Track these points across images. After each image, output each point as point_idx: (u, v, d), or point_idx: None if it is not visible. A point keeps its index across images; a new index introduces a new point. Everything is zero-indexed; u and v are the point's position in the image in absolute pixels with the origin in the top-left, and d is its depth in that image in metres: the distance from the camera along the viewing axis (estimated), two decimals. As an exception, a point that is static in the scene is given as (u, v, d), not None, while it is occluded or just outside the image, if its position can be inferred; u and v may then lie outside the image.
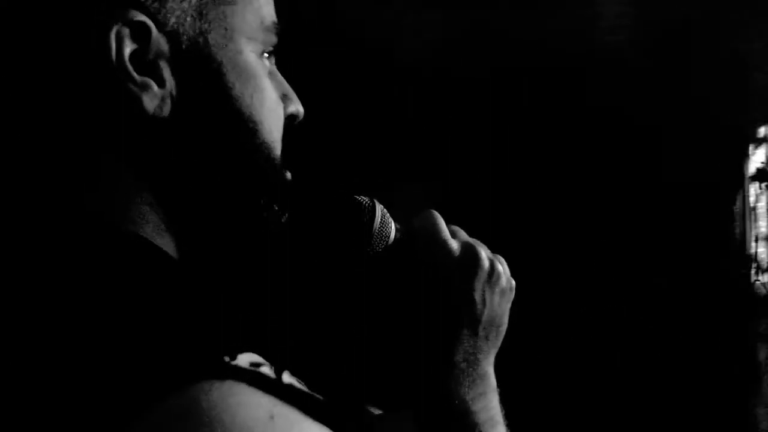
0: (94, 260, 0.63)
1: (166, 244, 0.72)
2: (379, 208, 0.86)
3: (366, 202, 0.86)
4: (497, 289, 0.87)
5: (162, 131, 0.69)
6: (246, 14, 0.73)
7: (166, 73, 0.69)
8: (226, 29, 0.71)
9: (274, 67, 0.79)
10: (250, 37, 0.73)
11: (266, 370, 0.60)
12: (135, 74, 0.67)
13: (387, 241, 0.86)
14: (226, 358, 0.56)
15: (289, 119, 0.79)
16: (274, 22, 0.76)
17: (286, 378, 0.61)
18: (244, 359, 0.58)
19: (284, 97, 0.79)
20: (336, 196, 0.88)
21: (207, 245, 0.78)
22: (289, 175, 0.79)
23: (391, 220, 0.87)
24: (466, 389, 0.85)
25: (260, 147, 0.74)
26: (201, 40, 0.70)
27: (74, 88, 0.67)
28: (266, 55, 0.76)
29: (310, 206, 0.87)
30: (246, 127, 0.72)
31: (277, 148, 0.76)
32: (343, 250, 0.87)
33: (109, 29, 0.66)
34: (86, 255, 0.63)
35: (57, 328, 0.57)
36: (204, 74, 0.70)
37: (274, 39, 0.76)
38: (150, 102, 0.67)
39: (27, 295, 0.60)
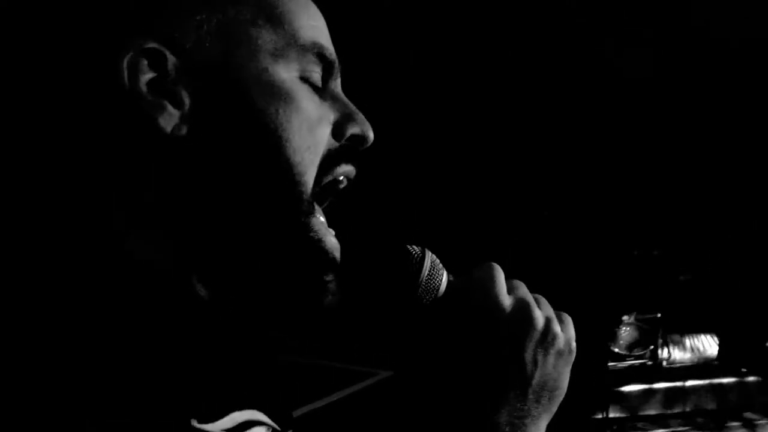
0: (93, 293, 0.62)
1: (182, 268, 0.71)
2: (429, 258, 0.82)
3: (415, 252, 0.82)
4: (552, 351, 0.81)
5: (182, 150, 0.69)
6: (273, 36, 0.72)
7: (185, 93, 0.69)
8: (249, 49, 0.71)
9: (341, 94, 0.78)
10: (281, 57, 0.72)
11: (259, 431, 0.61)
12: (149, 96, 0.68)
13: (436, 293, 0.82)
14: (194, 422, 0.56)
15: (353, 139, 0.77)
16: (315, 43, 0.74)
17: None
18: (237, 418, 0.60)
19: (344, 117, 0.77)
20: (385, 243, 0.84)
21: (229, 269, 0.74)
22: (315, 210, 0.75)
23: (443, 271, 0.83)
24: None
25: (286, 163, 0.72)
26: (221, 61, 0.70)
27: (90, 116, 0.69)
28: (315, 76, 0.75)
29: (359, 252, 0.84)
30: (270, 142, 0.71)
31: (308, 167, 0.73)
32: (387, 300, 0.83)
33: (122, 58, 0.67)
34: (89, 286, 0.63)
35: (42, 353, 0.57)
36: (224, 92, 0.70)
37: (314, 60, 0.74)
38: (166, 122, 0.68)
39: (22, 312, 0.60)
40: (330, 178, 0.76)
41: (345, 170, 0.78)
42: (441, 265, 0.83)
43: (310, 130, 0.73)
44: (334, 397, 1.96)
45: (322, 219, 0.78)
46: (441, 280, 0.82)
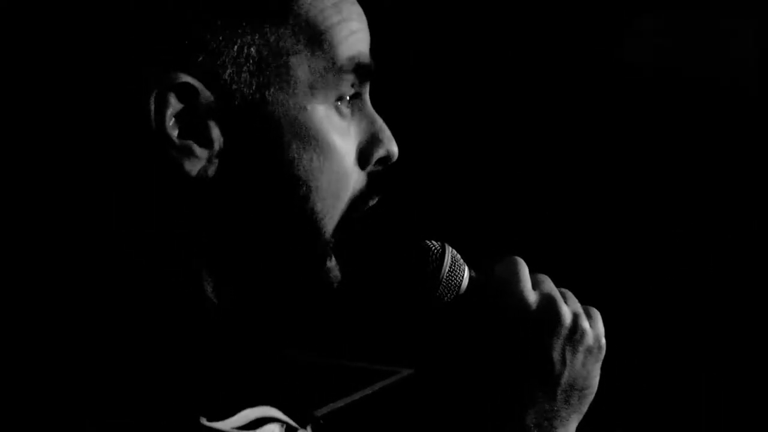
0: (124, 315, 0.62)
1: (215, 304, 0.69)
2: (450, 254, 0.78)
3: (435, 248, 0.79)
4: (581, 348, 0.78)
5: (208, 192, 0.66)
6: (313, 61, 0.66)
7: (215, 132, 0.65)
8: (288, 83, 0.66)
9: (366, 103, 0.73)
10: (319, 87, 0.67)
11: (273, 428, 0.60)
12: (175, 139, 0.63)
13: (458, 291, 0.79)
14: (203, 420, 0.55)
15: (380, 162, 0.73)
16: (353, 57, 0.69)
17: None
18: (249, 415, 0.58)
19: (372, 141, 0.72)
20: (403, 239, 0.81)
21: (257, 303, 0.75)
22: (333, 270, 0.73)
23: (464, 267, 0.80)
24: None
25: (311, 211, 0.68)
26: (258, 96, 0.65)
27: (117, 155, 0.65)
28: (347, 97, 0.70)
29: (378, 250, 0.80)
30: (298, 193, 0.67)
31: (330, 212, 0.69)
32: (407, 299, 0.80)
33: (150, 93, 0.62)
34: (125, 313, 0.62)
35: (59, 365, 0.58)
36: (258, 134, 0.65)
37: (350, 78, 0.69)
38: (192, 166, 0.64)
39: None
40: (358, 215, 0.73)
41: (372, 204, 0.74)
42: (462, 261, 0.80)
43: (339, 174, 0.69)
44: (355, 396, 1.93)
45: (333, 262, 0.74)
46: (463, 277, 0.79)
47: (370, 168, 0.73)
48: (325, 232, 0.70)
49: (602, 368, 0.81)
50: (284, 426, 0.63)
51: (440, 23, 2.20)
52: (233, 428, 0.57)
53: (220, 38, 0.64)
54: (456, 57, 2.18)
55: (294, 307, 0.79)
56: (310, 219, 0.68)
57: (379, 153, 0.73)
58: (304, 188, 0.67)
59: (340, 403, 1.85)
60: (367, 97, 0.73)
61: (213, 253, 0.68)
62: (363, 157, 0.72)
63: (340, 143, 0.69)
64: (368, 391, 1.97)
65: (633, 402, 2.13)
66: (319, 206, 0.68)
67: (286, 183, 0.67)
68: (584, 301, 0.86)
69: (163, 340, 0.61)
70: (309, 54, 0.66)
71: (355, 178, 0.71)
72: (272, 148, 0.66)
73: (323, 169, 0.67)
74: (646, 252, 2.09)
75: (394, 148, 0.74)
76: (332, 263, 0.72)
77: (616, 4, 2.09)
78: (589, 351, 0.78)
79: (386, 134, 0.73)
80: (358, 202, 0.72)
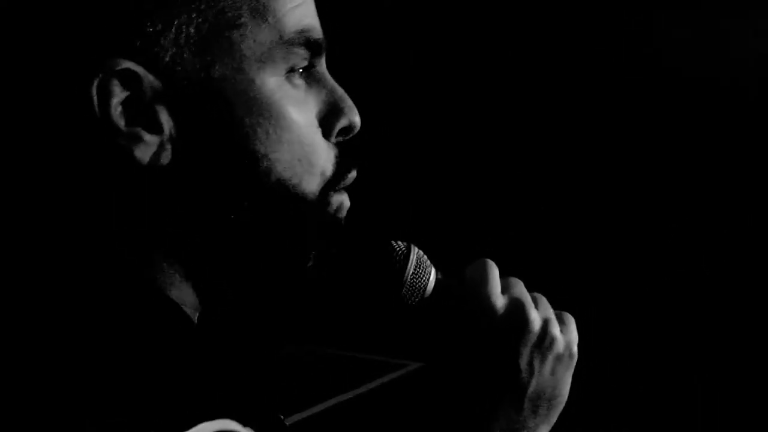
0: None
1: (184, 295, 0.67)
2: (414, 256, 0.76)
3: (400, 249, 0.76)
4: (550, 356, 0.75)
5: (164, 178, 0.63)
6: (258, 34, 0.64)
7: (164, 117, 0.62)
8: (233, 58, 0.63)
9: (324, 74, 0.70)
10: (267, 59, 0.65)
11: None
12: (122, 126, 0.61)
13: (423, 293, 0.76)
14: None
15: (342, 133, 0.70)
16: (302, 30, 0.66)
17: None
18: (205, 429, 0.55)
19: (332, 111, 0.70)
20: (370, 240, 0.78)
21: (235, 296, 0.72)
22: (339, 204, 0.70)
23: (430, 269, 0.77)
24: None
25: (277, 184, 0.65)
26: (203, 75, 0.63)
27: (66, 147, 0.63)
28: (300, 69, 0.68)
29: (342, 251, 0.77)
30: (260, 167, 0.65)
31: (302, 177, 0.67)
32: (372, 300, 0.77)
33: (91, 82, 0.60)
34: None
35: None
36: (209, 114, 0.63)
37: (301, 52, 0.67)
38: (143, 153, 0.62)
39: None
40: (339, 188, 0.70)
41: (351, 178, 0.71)
42: (429, 263, 0.77)
43: (301, 144, 0.66)
44: (357, 391, 1.90)
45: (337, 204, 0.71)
46: (428, 279, 0.76)
47: (333, 139, 0.70)
48: (304, 200, 0.67)
49: (590, 371, 0.78)
50: None
51: (410, 25, 2.17)
52: None
53: (156, 20, 0.62)
54: (427, 60, 2.15)
55: (283, 293, 0.76)
56: (281, 189, 0.66)
57: (342, 123, 0.70)
58: (265, 161, 0.64)
59: (340, 398, 1.82)
60: (323, 67, 0.71)
61: (179, 246, 0.66)
62: (325, 127, 0.69)
63: (296, 114, 0.66)
64: (369, 386, 1.94)
65: (629, 404, 2.10)
66: (286, 174, 0.66)
67: (245, 159, 0.64)
68: (563, 306, 0.83)
69: (114, 344, 0.59)
70: (253, 27, 0.64)
71: (323, 149, 0.68)
72: (225, 126, 0.64)
73: (282, 140, 0.65)
74: (631, 254, 2.06)
75: (356, 118, 0.71)
76: (336, 202, 0.70)
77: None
78: (558, 359, 0.75)
79: (347, 103, 0.70)
80: (334, 175, 0.69)
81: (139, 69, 0.61)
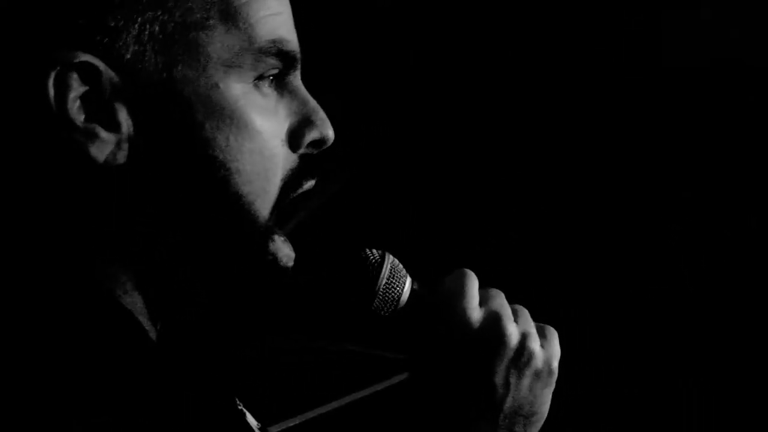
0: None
1: (136, 302, 0.65)
2: (388, 265, 0.73)
3: (373, 257, 0.73)
4: (528, 372, 0.72)
5: (119, 179, 0.62)
6: (227, 39, 0.63)
7: (123, 115, 0.61)
8: (197, 60, 0.62)
9: (297, 85, 0.68)
10: (233, 64, 0.63)
11: None
12: (78, 122, 0.60)
13: (396, 304, 0.73)
14: None
15: (313, 145, 0.68)
16: (274, 41, 0.64)
17: None
18: None
19: (303, 123, 0.68)
20: (344, 247, 0.75)
21: (190, 299, 0.69)
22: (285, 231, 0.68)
23: (406, 279, 0.74)
24: None
25: (235, 195, 0.63)
26: (165, 75, 0.61)
27: (20, 141, 0.62)
28: (270, 77, 0.66)
29: (317, 259, 0.75)
30: (217, 176, 0.63)
31: (260, 194, 0.65)
32: (344, 311, 0.74)
33: (48, 75, 0.59)
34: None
35: None
36: (169, 115, 0.62)
37: (272, 61, 0.65)
38: (98, 150, 0.60)
39: None
40: (294, 195, 0.68)
41: (307, 186, 0.69)
42: (404, 272, 0.74)
43: (262, 155, 0.64)
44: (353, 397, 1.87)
45: (281, 240, 0.69)
46: (402, 290, 0.73)
47: (302, 150, 0.68)
48: (258, 216, 0.65)
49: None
50: None
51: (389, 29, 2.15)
52: None
53: (120, 16, 0.60)
54: (409, 65, 2.14)
55: (245, 297, 0.73)
56: (237, 203, 0.64)
57: (312, 135, 0.68)
58: (223, 170, 0.63)
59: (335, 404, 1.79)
60: (298, 80, 0.69)
61: (132, 251, 0.64)
62: (294, 138, 0.67)
63: (261, 122, 0.64)
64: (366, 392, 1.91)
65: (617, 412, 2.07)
66: (245, 189, 0.64)
67: (202, 165, 0.62)
68: (550, 318, 0.80)
69: (51, 351, 0.57)
70: (223, 30, 0.63)
71: (284, 159, 0.66)
72: (184, 129, 0.62)
73: (243, 150, 0.63)
74: (625, 263, 2.03)
75: (329, 131, 0.69)
76: (277, 244, 0.67)
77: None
78: (537, 375, 0.72)
79: (319, 116, 0.69)
80: (290, 184, 0.67)
81: (99, 63, 0.60)
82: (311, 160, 0.69)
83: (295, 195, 0.68)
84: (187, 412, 0.63)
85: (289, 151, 0.67)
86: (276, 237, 0.67)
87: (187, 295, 0.68)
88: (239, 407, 0.84)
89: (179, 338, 0.72)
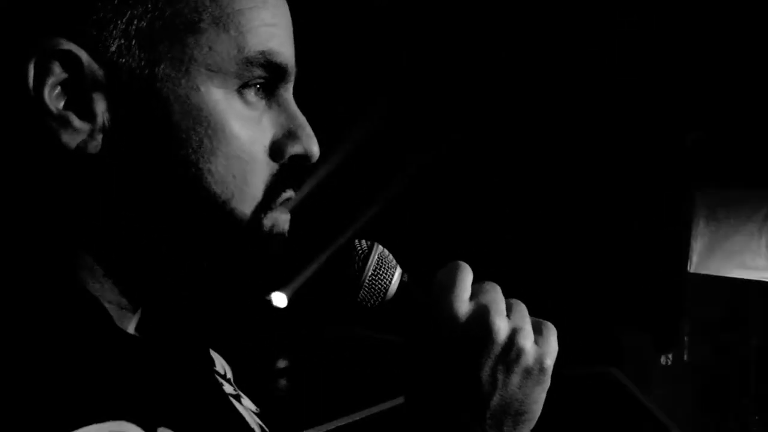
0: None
1: (106, 291, 0.65)
2: (376, 256, 0.71)
3: (361, 248, 0.71)
4: (517, 369, 0.69)
5: (91, 169, 0.62)
6: (215, 44, 0.63)
7: (100, 106, 0.62)
8: (181, 60, 0.62)
9: (287, 99, 0.68)
10: (218, 70, 0.63)
11: None
12: (52, 107, 0.60)
13: (383, 296, 0.71)
14: None
15: (294, 160, 0.68)
16: (264, 51, 0.64)
17: None
18: (94, 430, 0.54)
19: (288, 136, 0.68)
20: (335, 239, 0.74)
21: (159, 291, 0.70)
22: (273, 222, 0.68)
23: (395, 270, 0.72)
24: None
25: (206, 196, 0.63)
26: (147, 72, 0.62)
27: None
28: (257, 86, 0.66)
29: (310, 252, 0.73)
30: (187, 177, 0.63)
31: (239, 199, 0.65)
32: (332, 302, 0.72)
33: (29, 60, 0.60)
34: None
35: None
36: (145, 111, 0.62)
37: (258, 72, 0.65)
38: (70, 138, 0.61)
39: None
40: (277, 201, 0.68)
41: (286, 197, 0.69)
42: (394, 264, 0.72)
43: (239, 159, 0.64)
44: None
45: (277, 211, 0.68)
46: (390, 281, 0.71)
47: (284, 161, 0.68)
48: (235, 215, 0.65)
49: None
50: None
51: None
52: None
53: (108, 8, 0.61)
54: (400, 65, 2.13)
55: (235, 290, 0.73)
56: (209, 201, 0.64)
57: (295, 149, 0.68)
58: (194, 170, 0.63)
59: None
60: (288, 93, 0.69)
61: (101, 239, 0.64)
62: (276, 150, 0.67)
63: (239, 129, 0.64)
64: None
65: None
66: (217, 189, 0.64)
67: (173, 163, 0.63)
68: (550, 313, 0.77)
69: (14, 336, 0.57)
70: (213, 35, 0.63)
71: (263, 169, 0.66)
72: (159, 126, 0.62)
73: (216, 152, 0.63)
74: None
75: (314, 147, 0.69)
76: (272, 215, 0.67)
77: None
78: (527, 372, 0.69)
79: (305, 132, 0.68)
80: (266, 195, 0.67)
81: (81, 53, 0.60)
82: (293, 172, 0.69)
83: (277, 201, 0.68)
84: (134, 400, 0.62)
85: (270, 160, 0.67)
86: (269, 212, 0.67)
87: (165, 284, 0.68)
88: (233, 390, 0.83)
89: (159, 326, 0.72)
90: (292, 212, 0.70)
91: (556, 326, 0.72)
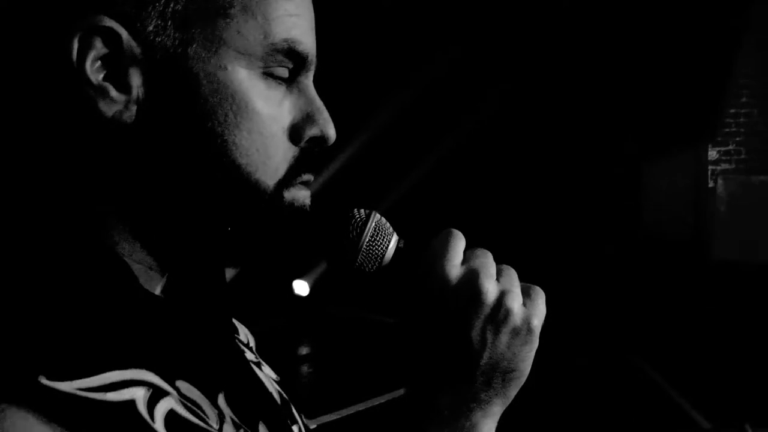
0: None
1: (134, 251, 0.70)
2: (373, 223, 0.75)
3: (359, 216, 0.76)
4: (504, 329, 0.73)
5: (124, 137, 0.68)
6: (243, 28, 0.68)
7: (136, 80, 0.67)
8: (212, 42, 0.68)
9: (307, 86, 0.74)
10: (245, 52, 0.69)
11: (134, 391, 0.60)
12: (93, 79, 0.66)
13: (380, 261, 0.75)
14: (42, 379, 0.56)
15: (312, 142, 0.74)
16: (288, 39, 0.70)
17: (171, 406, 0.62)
18: (111, 377, 0.59)
19: (305, 118, 0.73)
20: (330, 207, 0.78)
21: (183, 254, 0.74)
22: (294, 197, 0.73)
23: (391, 237, 0.76)
24: None
25: (232, 167, 0.69)
26: (180, 50, 0.67)
27: (39, 93, 0.67)
28: (280, 70, 0.71)
29: (309, 219, 0.78)
30: (213, 147, 0.68)
31: (263, 171, 0.70)
32: (333, 267, 0.77)
33: (74, 35, 0.65)
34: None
35: None
36: (176, 86, 0.67)
37: (281, 59, 0.70)
38: (107, 107, 0.66)
39: None
40: (296, 181, 0.74)
41: (306, 178, 0.74)
42: (390, 231, 0.76)
43: (261, 134, 0.70)
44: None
45: (296, 188, 0.74)
46: (387, 247, 0.75)
47: (303, 144, 0.73)
48: (260, 185, 0.70)
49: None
50: (151, 390, 0.62)
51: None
52: (80, 389, 0.57)
53: None
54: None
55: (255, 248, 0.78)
56: (236, 172, 0.69)
57: (313, 131, 0.73)
58: (219, 141, 0.68)
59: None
60: (309, 81, 0.74)
61: (130, 203, 0.69)
62: (295, 132, 0.73)
63: (262, 106, 0.70)
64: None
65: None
66: (243, 161, 0.69)
67: (201, 135, 0.68)
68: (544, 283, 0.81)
69: (36, 286, 0.62)
70: (241, 20, 0.68)
71: (284, 146, 0.72)
72: (189, 100, 0.67)
73: (240, 126, 0.68)
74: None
75: (330, 131, 0.74)
76: (292, 192, 0.73)
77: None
78: (515, 332, 0.73)
79: (323, 116, 0.74)
80: (287, 174, 0.72)
81: (122, 31, 0.66)
82: (312, 157, 0.74)
83: (297, 180, 0.73)
84: (182, 350, 0.69)
85: (289, 141, 0.72)
86: (290, 188, 0.73)
87: (191, 247, 0.73)
88: (254, 357, 0.88)
89: (185, 290, 0.76)
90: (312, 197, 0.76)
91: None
